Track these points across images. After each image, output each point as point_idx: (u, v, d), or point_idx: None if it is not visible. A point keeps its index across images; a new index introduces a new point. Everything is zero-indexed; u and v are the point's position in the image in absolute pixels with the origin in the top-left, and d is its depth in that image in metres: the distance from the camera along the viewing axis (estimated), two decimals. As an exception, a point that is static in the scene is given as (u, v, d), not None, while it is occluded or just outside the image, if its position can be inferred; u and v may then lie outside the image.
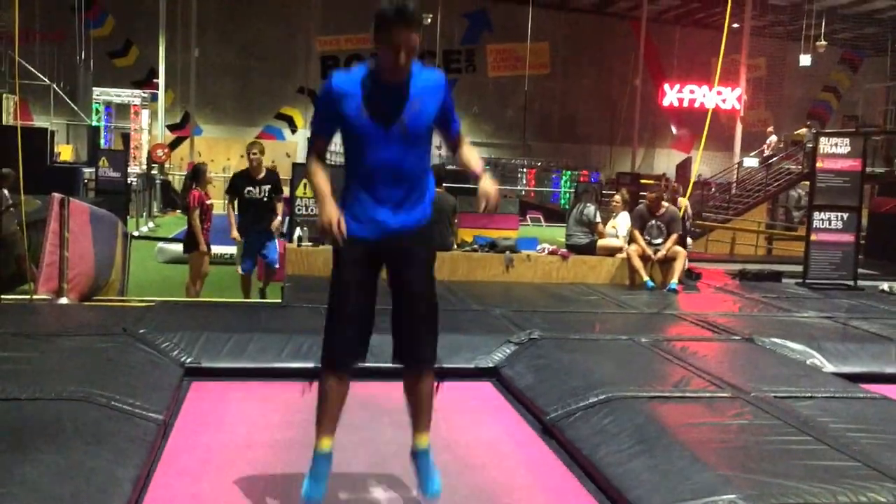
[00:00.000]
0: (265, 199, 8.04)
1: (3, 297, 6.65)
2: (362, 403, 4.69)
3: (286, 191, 9.19)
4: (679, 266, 8.25)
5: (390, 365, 5.09)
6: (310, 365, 5.06)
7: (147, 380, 4.44)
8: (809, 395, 4.50)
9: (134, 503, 3.19)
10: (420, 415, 3.14)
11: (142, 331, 5.18)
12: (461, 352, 5.30)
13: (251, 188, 8.02)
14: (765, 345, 5.76)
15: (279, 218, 8.18)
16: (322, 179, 2.97)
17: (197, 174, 8.30)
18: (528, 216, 21.17)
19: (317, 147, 3.06)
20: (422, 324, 3.04)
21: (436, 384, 3.24)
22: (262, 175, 8.07)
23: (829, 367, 5.55)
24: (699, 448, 3.59)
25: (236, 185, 8.12)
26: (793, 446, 3.63)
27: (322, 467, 3.03)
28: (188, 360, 4.97)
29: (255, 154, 8.01)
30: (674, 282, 8.13)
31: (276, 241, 8.43)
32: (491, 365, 5.30)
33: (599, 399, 4.27)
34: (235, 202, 8.11)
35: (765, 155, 21.55)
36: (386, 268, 3.04)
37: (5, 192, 7.99)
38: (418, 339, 3.05)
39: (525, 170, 28.27)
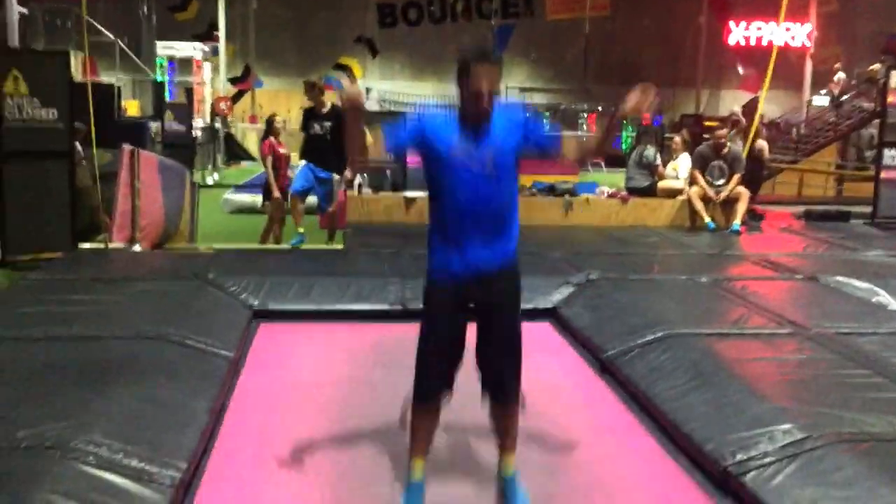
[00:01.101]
0: (327, 135, 7.90)
1: (80, 246, 6.95)
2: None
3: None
4: (742, 207, 8.11)
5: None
6: (371, 307, 5.24)
7: (217, 321, 4.64)
8: (872, 331, 4.46)
9: (209, 433, 3.38)
10: (506, 439, 3.10)
11: (211, 275, 5.39)
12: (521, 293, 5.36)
13: (316, 124, 7.96)
14: (828, 283, 5.69)
15: (348, 172, 8.08)
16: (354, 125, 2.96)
17: (269, 125, 8.50)
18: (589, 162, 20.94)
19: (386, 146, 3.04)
20: (510, 365, 3.02)
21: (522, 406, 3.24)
22: (326, 109, 8.00)
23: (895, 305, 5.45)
24: (756, 382, 3.62)
25: (305, 121, 8.10)
26: (852, 380, 3.63)
27: (416, 499, 2.99)
28: (255, 303, 5.16)
29: (315, 89, 8.04)
30: (736, 223, 8.02)
31: (334, 190, 8.27)
32: (549, 306, 5.36)
33: (656, 336, 4.31)
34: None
35: (835, 93, 20.79)
36: (474, 307, 2.99)
37: (78, 145, 8.26)
38: (507, 378, 3.03)
39: (586, 115, 27.87)
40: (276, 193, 8.16)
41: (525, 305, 5.17)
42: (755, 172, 10.45)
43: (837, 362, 3.89)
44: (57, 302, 4.67)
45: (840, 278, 5.75)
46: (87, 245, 7.14)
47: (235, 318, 4.85)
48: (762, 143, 10.67)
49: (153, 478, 2.76)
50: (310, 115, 8.06)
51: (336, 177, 8.07)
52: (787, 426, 3.09)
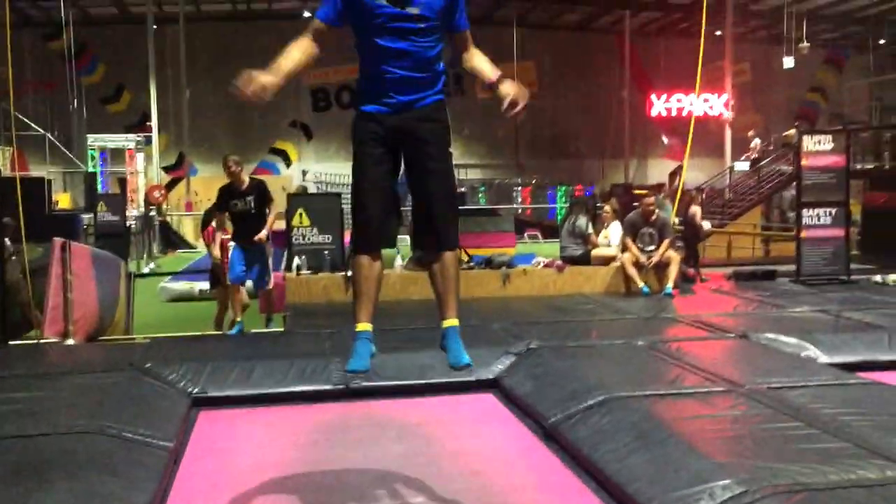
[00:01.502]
0: (252, 210, 7.84)
1: (11, 342, 6.77)
2: (368, 420, 4.81)
3: (281, 224, 9.31)
4: (674, 270, 8.37)
5: (393, 383, 5.24)
6: (313, 388, 5.20)
7: (156, 410, 4.55)
8: (802, 384, 4.61)
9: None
10: (447, 296, 3.22)
11: (148, 365, 5.30)
12: (462, 366, 5.40)
13: (236, 201, 7.86)
14: (759, 340, 5.87)
15: (264, 232, 7.91)
16: (289, 54, 3.10)
17: (208, 214, 8.58)
18: (525, 234, 21.33)
19: (312, 26, 3.14)
20: (443, 206, 3.13)
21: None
22: (245, 186, 7.90)
23: (824, 358, 5.64)
24: (694, 439, 3.70)
25: (221, 199, 7.95)
26: (785, 432, 3.74)
27: (363, 347, 3.13)
28: (195, 390, 5.08)
29: (232, 166, 7.84)
30: (669, 286, 8.26)
31: (269, 261, 8.28)
32: (491, 377, 5.40)
33: (597, 400, 4.38)
34: (220, 217, 8.11)
35: (752, 158, 21.74)
36: (403, 154, 3.14)
37: (7, 241, 8.13)
38: (442, 223, 3.15)
39: (520, 188, 28.46)
40: (226, 281, 8.10)
41: (468, 378, 5.28)
42: (691, 238, 10.83)
43: (771, 416, 4.00)
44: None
45: (769, 335, 5.95)
46: (18, 342, 6.97)
47: (174, 406, 4.77)
48: (695, 209, 11.09)
49: (92, 576, 2.67)
50: (229, 193, 7.91)
51: (265, 244, 8.03)
52: (726, 481, 3.15)
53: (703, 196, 21.22)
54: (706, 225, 11.30)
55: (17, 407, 4.41)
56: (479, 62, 3.21)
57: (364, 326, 3.17)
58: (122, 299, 7.96)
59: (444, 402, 5.19)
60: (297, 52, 3.12)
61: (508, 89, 3.08)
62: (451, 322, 3.25)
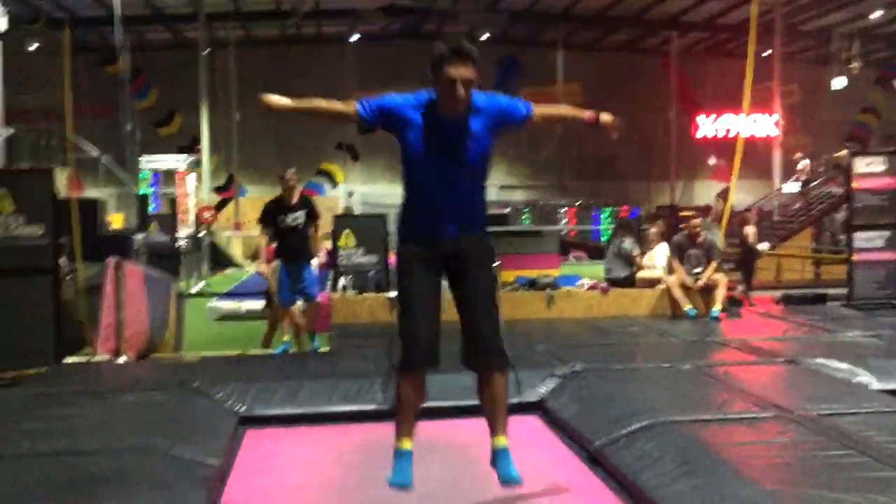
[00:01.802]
0: (299, 227, 7.73)
1: (66, 359, 6.94)
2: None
3: (328, 244, 9.41)
4: (720, 293, 8.26)
5: (437, 404, 5.24)
6: (358, 408, 5.24)
7: (204, 429, 4.62)
8: (853, 411, 4.50)
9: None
10: (495, 416, 3.27)
11: (196, 384, 5.39)
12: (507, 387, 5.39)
13: (285, 216, 7.73)
14: (809, 366, 5.76)
15: (318, 259, 7.92)
16: (317, 100, 3.17)
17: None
18: (571, 255, 21.19)
19: (350, 107, 3.15)
20: (486, 317, 3.19)
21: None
22: (295, 201, 7.83)
23: (876, 385, 5.50)
24: (742, 466, 3.64)
25: (269, 214, 7.81)
26: (836, 460, 3.66)
27: (404, 463, 3.24)
28: (242, 409, 5.15)
29: (291, 179, 7.78)
30: (716, 309, 8.15)
31: (314, 271, 8.20)
32: (536, 399, 5.39)
33: (642, 425, 4.33)
34: (267, 235, 7.93)
35: (803, 180, 21.40)
36: (447, 274, 3.21)
37: (63, 260, 8.35)
38: (486, 331, 3.20)
39: (564, 209, 28.38)
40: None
41: (512, 399, 5.25)
42: (746, 260, 10.70)
43: (821, 444, 3.92)
44: (41, 417, 4.66)
45: (820, 360, 5.83)
46: (72, 359, 7.14)
47: (222, 425, 4.84)
48: (749, 229, 10.95)
49: (141, 591, 2.72)
50: (277, 208, 7.79)
51: (314, 263, 8.02)
52: (774, 509, 3.10)
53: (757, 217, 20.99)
54: (763, 246, 11.11)
55: (70, 423, 4.52)
56: (564, 112, 3.34)
57: (406, 445, 3.28)
58: (173, 318, 8.12)
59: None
60: (325, 104, 3.16)
61: (607, 118, 3.36)
62: (502, 442, 3.35)
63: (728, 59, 28.19)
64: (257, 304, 12.16)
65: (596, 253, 22.52)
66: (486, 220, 3.22)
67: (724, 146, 26.39)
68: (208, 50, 23.67)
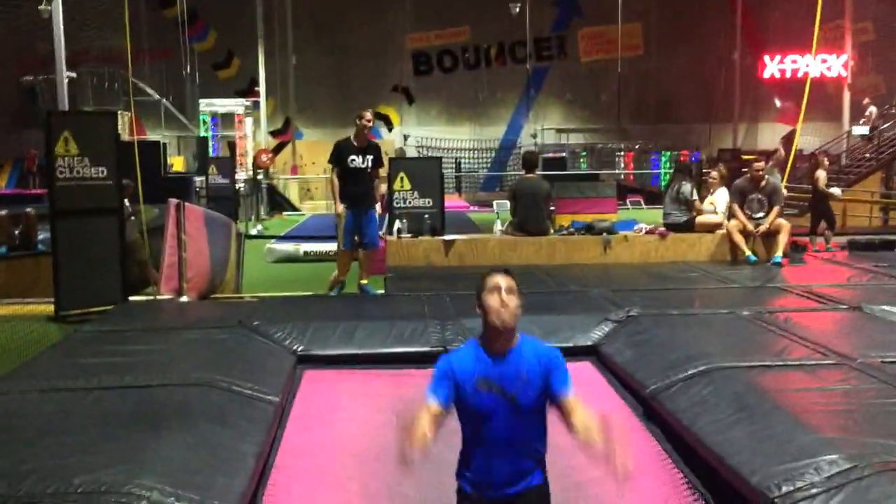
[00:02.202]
0: (368, 169, 7.71)
1: (130, 298, 7.14)
2: None
3: (384, 188, 9.41)
4: (783, 239, 8.06)
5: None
6: (413, 349, 5.29)
7: (264, 367, 4.74)
8: (919, 359, 4.39)
9: (258, 475, 3.45)
10: None
11: (256, 323, 5.50)
12: (561, 332, 5.39)
13: (355, 157, 7.63)
14: (873, 312, 5.61)
15: (383, 188, 7.78)
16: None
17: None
18: (627, 200, 20.89)
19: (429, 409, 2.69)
20: None
21: None
22: (365, 143, 7.75)
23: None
24: (800, 413, 3.59)
25: (340, 154, 7.66)
26: (899, 409, 3.58)
27: None
28: (300, 349, 5.25)
29: (368, 120, 7.67)
30: (778, 255, 7.95)
31: (377, 218, 8.20)
32: (590, 343, 5.37)
33: (698, 370, 4.30)
34: (335, 174, 7.77)
35: (871, 126, 20.61)
36: None
37: (126, 201, 8.54)
38: None
39: (622, 153, 27.89)
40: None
41: (565, 344, 5.22)
42: (820, 205, 10.43)
43: (884, 391, 3.84)
44: (109, 353, 4.81)
45: (885, 307, 5.68)
46: (136, 298, 7.34)
47: (280, 364, 4.94)
48: (820, 173, 10.61)
49: (204, 520, 2.83)
50: (346, 149, 7.69)
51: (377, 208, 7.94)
52: (833, 456, 3.06)
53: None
54: (835, 190, 10.77)
55: (136, 359, 4.67)
56: (587, 429, 2.59)
57: None
58: (233, 259, 8.27)
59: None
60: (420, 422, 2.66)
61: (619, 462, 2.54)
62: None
63: (797, -3, 27.14)
64: (315, 247, 12.35)
65: (654, 198, 22.17)
66: (544, 464, 2.84)
67: (791, 87, 25.54)
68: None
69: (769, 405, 3.71)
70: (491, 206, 12.00)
